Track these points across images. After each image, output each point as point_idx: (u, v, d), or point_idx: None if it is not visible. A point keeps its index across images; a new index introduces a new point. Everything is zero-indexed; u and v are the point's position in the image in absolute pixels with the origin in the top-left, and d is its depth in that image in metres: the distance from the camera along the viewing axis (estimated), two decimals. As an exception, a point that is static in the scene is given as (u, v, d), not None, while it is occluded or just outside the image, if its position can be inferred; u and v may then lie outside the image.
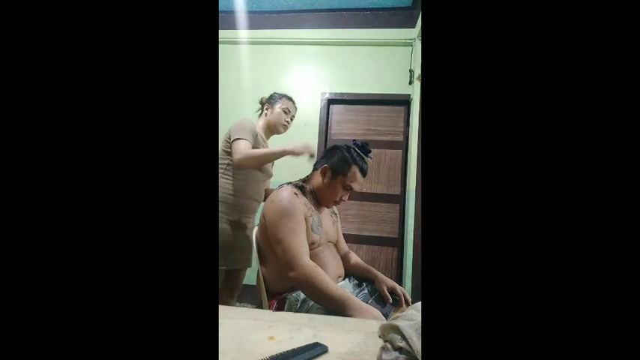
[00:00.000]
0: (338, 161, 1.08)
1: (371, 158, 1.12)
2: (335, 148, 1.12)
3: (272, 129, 1.49)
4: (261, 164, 1.35)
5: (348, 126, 2.65)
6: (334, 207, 1.27)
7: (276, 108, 1.49)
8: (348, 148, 1.11)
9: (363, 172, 1.09)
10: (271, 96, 1.54)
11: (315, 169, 1.15)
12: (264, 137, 1.45)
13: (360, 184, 1.09)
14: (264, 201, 1.47)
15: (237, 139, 1.30)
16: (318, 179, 1.11)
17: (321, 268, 0.93)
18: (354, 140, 1.15)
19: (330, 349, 0.47)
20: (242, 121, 1.38)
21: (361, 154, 1.10)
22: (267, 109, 1.51)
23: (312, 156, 1.29)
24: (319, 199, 1.11)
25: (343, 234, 1.32)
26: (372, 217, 2.56)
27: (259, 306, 1.06)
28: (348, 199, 1.18)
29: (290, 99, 1.52)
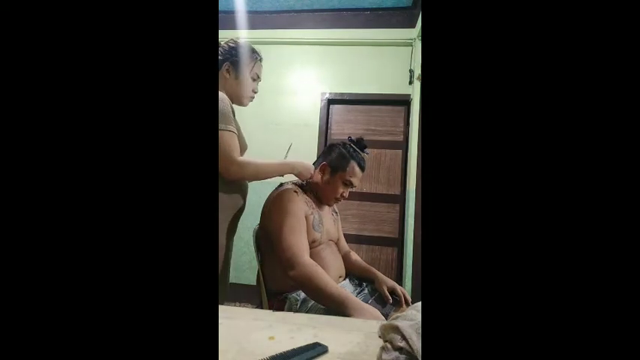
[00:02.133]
0: (336, 158, 1.09)
1: (367, 154, 1.14)
2: (332, 145, 1.14)
3: (232, 100, 1.03)
4: (257, 179, 0.98)
5: (348, 126, 2.64)
6: (335, 205, 1.27)
7: (244, 73, 1.03)
8: (344, 144, 1.13)
9: (362, 167, 1.11)
10: (231, 50, 1.02)
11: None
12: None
13: (359, 178, 1.11)
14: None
15: (222, 129, 0.89)
16: (317, 177, 1.11)
17: (323, 267, 0.93)
18: (349, 136, 1.17)
19: (330, 349, 0.47)
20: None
21: (357, 149, 1.12)
22: (227, 70, 1.02)
23: (303, 181, 1.12)
24: (320, 197, 1.12)
25: (343, 234, 1.32)
26: (372, 217, 2.56)
27: (259, 306, 1.06)
28: (349, 199, 1.20)
29: (259, 58, 1.07)
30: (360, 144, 1.13)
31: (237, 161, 0.91)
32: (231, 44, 1.04)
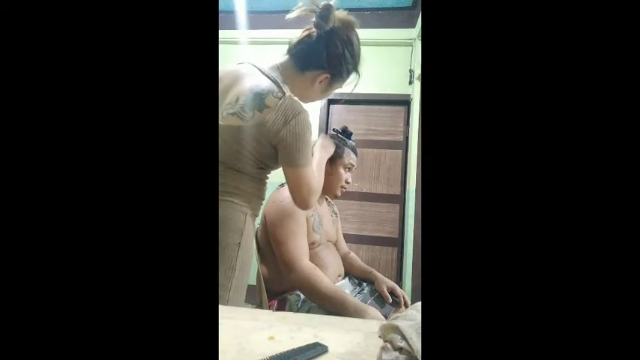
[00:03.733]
0: None
1: (353, 141, 1.20)
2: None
3: (303, 97, 0.84)
4: None
5: (348, 126, 2.65)
6: (334, 207, 1.28)
7: (334, 89, 0.84)
8: (332, 135, 1.16)
9: (355, 151, 1.17)
10: (344, 58, 0.79)
11: None
12: None
13: (355, 161, 1.17)
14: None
15: (305, 165, 0.77)
16: None
17: (321, 267, 0.93)
18: (334, 128, 1.21)
19: (330, 349, 0.47)
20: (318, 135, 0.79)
21: (344, 137, 1.18)
22: (321, 82, 0.81)
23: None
24: (326, 190, 1.13)
25: (343, 234, 1.33)
26: (372, 217, 2.56)
27: (259, 306, 1.06)
28: (349, 200, 1.22)
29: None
30: (346, 133, 1.18)
31: (314, 193, 0.81)
32: (351, 55, 0.77)
